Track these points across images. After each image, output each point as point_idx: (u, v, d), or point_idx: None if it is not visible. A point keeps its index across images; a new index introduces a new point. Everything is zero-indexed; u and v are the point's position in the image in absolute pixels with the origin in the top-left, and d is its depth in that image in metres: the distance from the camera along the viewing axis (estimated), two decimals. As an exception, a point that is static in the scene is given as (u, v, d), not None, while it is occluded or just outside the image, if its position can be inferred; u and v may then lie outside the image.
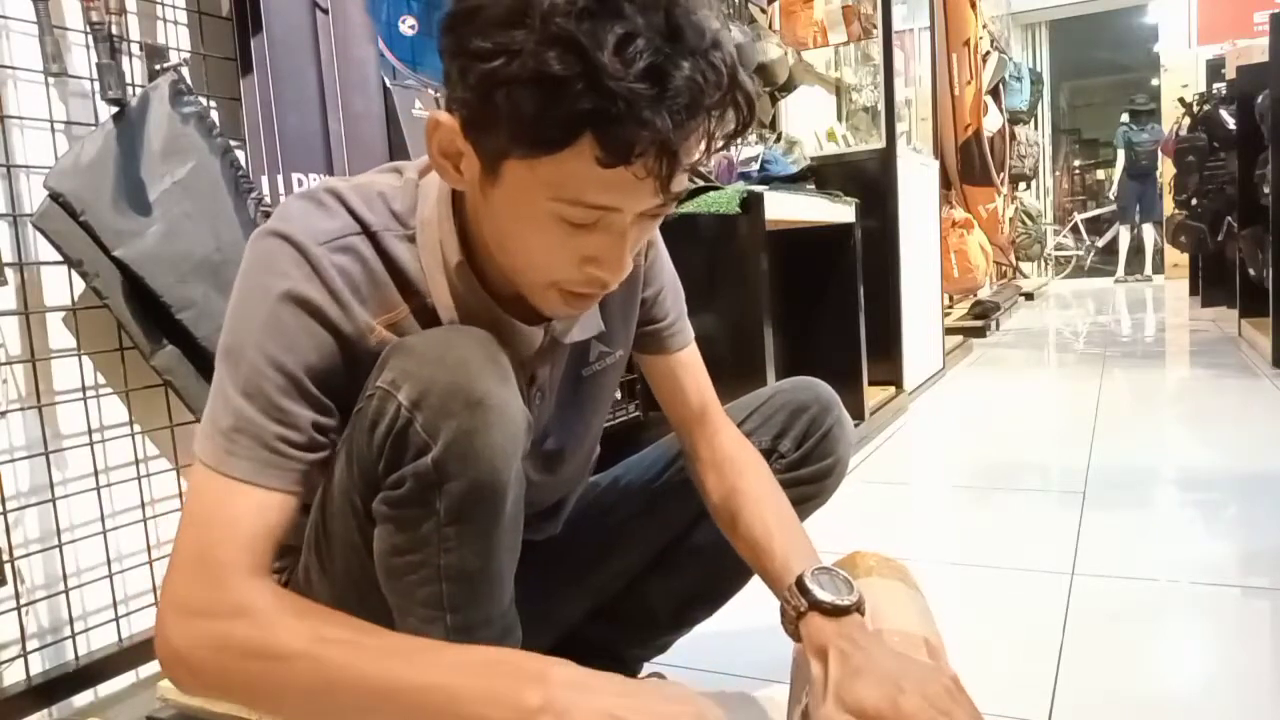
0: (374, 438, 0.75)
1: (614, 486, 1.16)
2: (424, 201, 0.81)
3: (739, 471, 1.01)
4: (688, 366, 1.05)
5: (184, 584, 0.71)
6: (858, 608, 0.86)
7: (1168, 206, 8.31)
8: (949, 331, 4.68)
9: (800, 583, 0.87)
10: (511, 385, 0.80)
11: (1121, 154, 9.51)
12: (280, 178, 1.42)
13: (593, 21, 0.63)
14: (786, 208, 2.40)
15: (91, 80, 1.25)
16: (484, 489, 0.79)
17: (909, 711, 0.74)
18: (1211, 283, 6.29)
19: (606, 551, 1.14)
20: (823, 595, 0.85)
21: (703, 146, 0.70)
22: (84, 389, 1.28)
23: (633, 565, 1.15)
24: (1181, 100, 6.65)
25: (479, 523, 0.82)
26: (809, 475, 1.10)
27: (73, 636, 1.26)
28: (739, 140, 0.75)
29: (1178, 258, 8.22)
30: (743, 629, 1.40)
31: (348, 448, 0.78)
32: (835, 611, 0.85)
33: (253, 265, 0.76)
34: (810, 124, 4.03)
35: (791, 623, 0.88)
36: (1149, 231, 9.40)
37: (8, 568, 1.13)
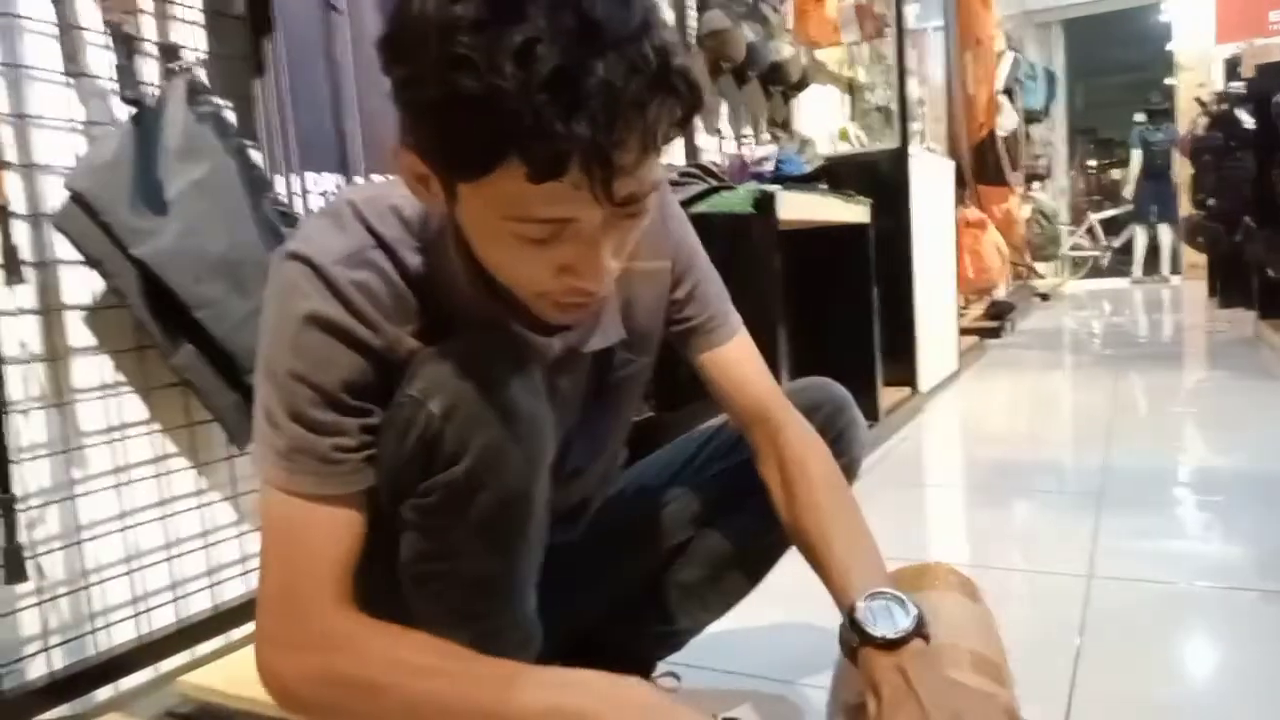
0: (404, 446, 0.76)
1: (630, 489, 1.16)
2: (436, 213, 0.80)
3: (804, 474, 0.96)
4: (737, 359, 1.01)
5: (275, 621, 0.74)
6: (918, 633, 0.81)
7: (1184, 206, 8.26)
8: (964, 332, 4.65)
9: (853, 617, 0.83)
10: (540, 396, 0.80)
11: (1137, 153, 9.44)
12: (296, 177, 1.43)
13: (488, 33, 0.60)
14: (800, 208, 2.39)
15: (111, 80, 1.26)
16: (512, 499, 0.80)
17: None
18: (1230, 283, 6.23)
19: (623, 554, 1.13)
20: (875, 631, 0.81)
21: (643, 144, 0.65)
22: (104, 387, 1.29)
23: (649, 567, 1.15)
24: (1199, 100, 6.61)
25: (506, 532, 0.83)
26: None
27: (93, 632, 1.27)
28: (684, 127, 0.70)
29: (1195, 258, 8.15)
30: (758, 628, 1.40)
31: (382, 456, 0.78)
32: (888, 645, 0.80)
33: (276, 289, 0.76)
34: (823, 123, 4.02)
35: (847, 651, 0.85)
36: (1165, 232, 9.33)
37: (29, 564, 1.14)
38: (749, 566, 1.13)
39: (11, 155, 1.18)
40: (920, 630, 0.81)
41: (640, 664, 1.18)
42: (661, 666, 1.22)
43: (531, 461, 0.81)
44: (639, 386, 1.04)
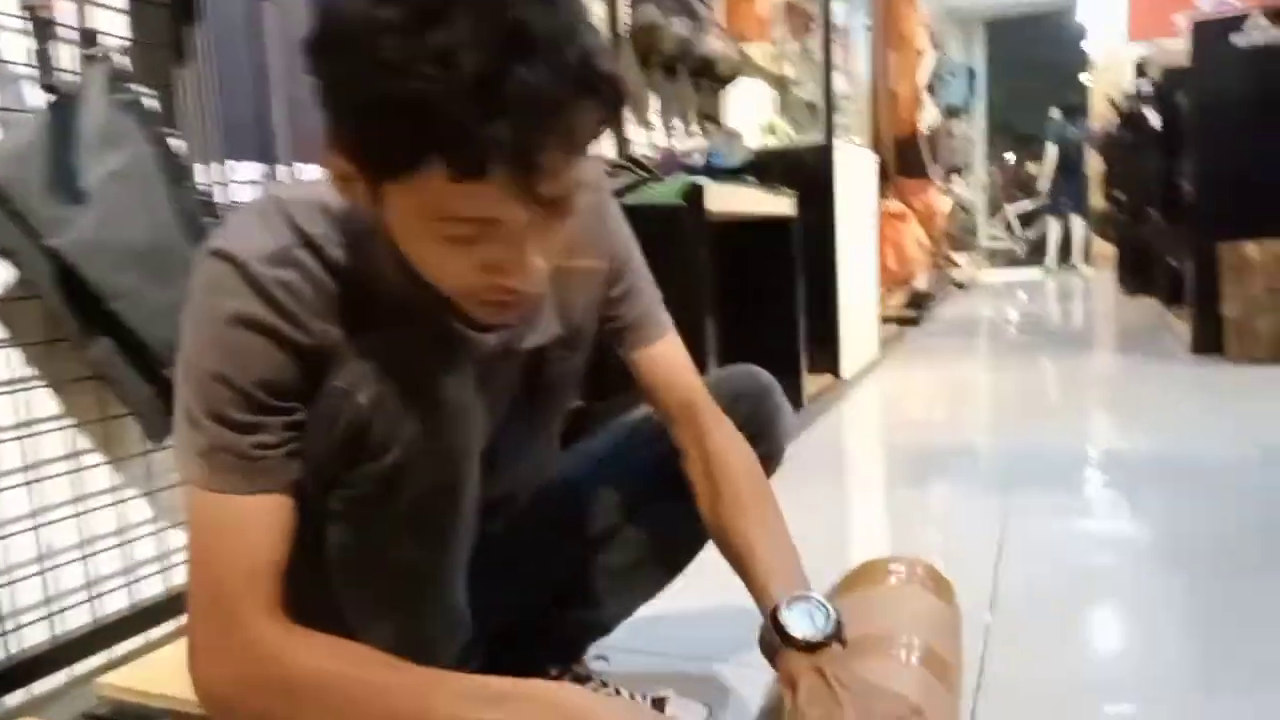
0: (332, 436, 0.76)
1: (558, 478, 1.18)
2: (364, 211, 0.78)
3: (726, 476, 0.99)
4: (667, 357, 1.03)
5: (203, 629, 0.74)
6: (836, 636, 0.84)
7: (1096, 199, 8.58)
8: (885, 321, 4.78)
9: (775, 618, 0.85)
10: (469, 388, 0.81)
11: (1052, 148, 9.76)
12: (218, 165, 1.40)
13: (414, 37, 0.60)
14: (727, 200, 2.43)
15: (26, 66, 1.22)
16: (440, 490, 0.81)
17: None
18: (1136, 272, 6.51)
19: (551, 542, 1.15)
20: (795, 632, 0.83)
21: (566, 145, 0.67)
22: (13, 381, 1.26)
23: (576, 554, 1.16)
24: (1110, 99, 6.86)
25: (434, 523, 0.84)
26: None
27: (4, 635, 1.23)
28: (608, 129, 0.73)
29: (1105, 249, 8.48)
30: (684, 612, 1.43)
31: (308, 449, 0.78)
32: (808, 647, 0.83)
33: (200, 287, 0.75)
34: (751, 117, 4.07)
35: (767, 652, 0.88)
36: (1077, 223, 9.67)
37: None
38: (672, 555, 1.16)
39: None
40: (839, 634, 0.84)
41: (570, 648, 1.20)
42: (591, 650, 1.24)
43: (459, 453, 0.82)
44: (573, 381, 1.05)
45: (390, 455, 0.77)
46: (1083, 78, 9.98)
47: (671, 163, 2.77)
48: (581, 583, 1.17)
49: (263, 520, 0.75)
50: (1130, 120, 5.92)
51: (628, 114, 2.94)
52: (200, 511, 0.75)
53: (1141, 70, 6.73)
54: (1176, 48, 4.61)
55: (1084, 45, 9.96)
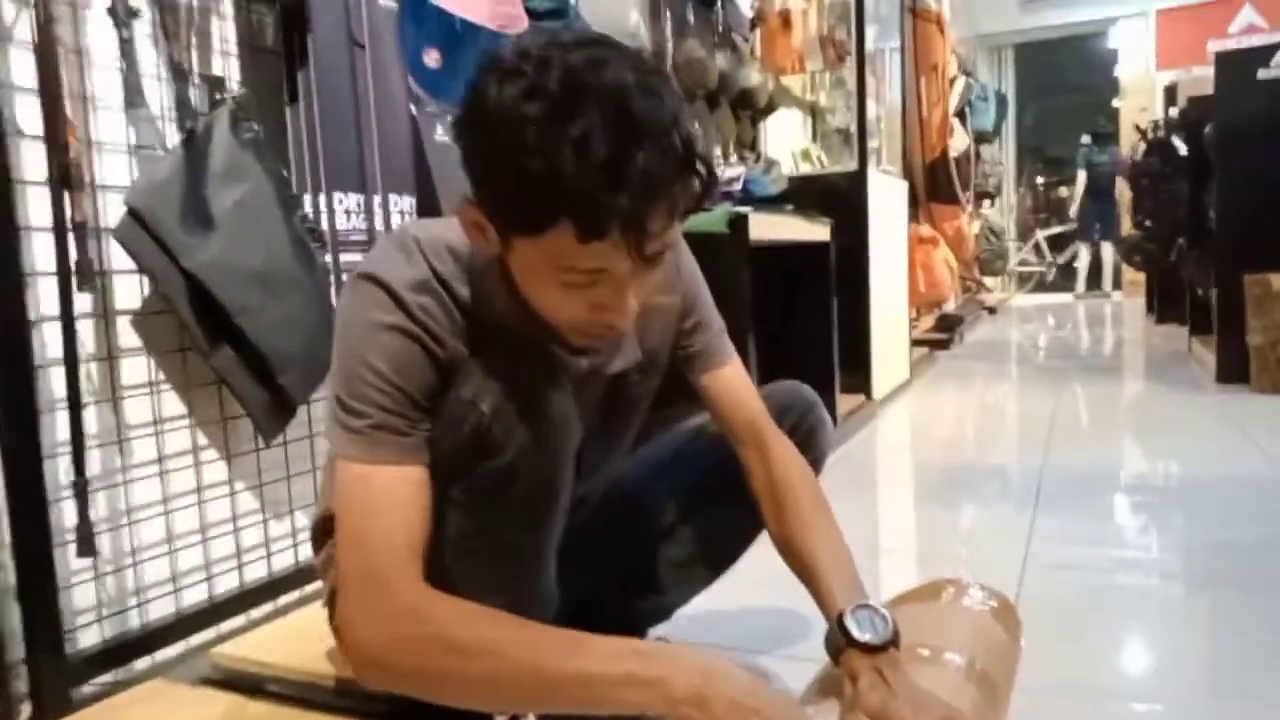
0: (458, 438, 0.91)
1: (629, 478, 1.32)
2: (482, 252, 0.95)
3: (790, 494, 1.11)
4: (731, 381, 1.17)
5: (360, 595, 0.85)
6: (893, 642, 0.95)
7: (1126, 226, 8.63)
8: (915, 344, 4.88)
9: (841, 621, 0.96)
10: (570, 403, 0.97)
11: (1082, 174, 9.82)
12: (323, 196, 1.57)
13: (554, 126, 0.75)
14: (768, 228, 2.59)
15: (161, 109, 1.40)
16: (545, 486, 0.97)
17: (895, 715, 0.88)
18: (1166, 300, 6.55)
19: (621, 534, 1.29)
20: (858, 635, 0.94)
21: (669, 213, 0.82)
22: (148, 384, 1.43)
23: (642, 545, 1.31)
24: (1137, 126, 6.94)
25: (537, 512, 0.99)
26: None
27: (137, 607, 1.40)
28: (703, 202, 0.88)
29: (1135, 275, 8.52)
30: (733, 608, 1.57)
31: (431, 446, 0.93)
32: (869, 650, 0.94)
33: (355, 302, 0.92)
34: (786, 144, 4.22)
35: (833, 653, 1.00)
36: (1108, 250, 9.70)
37: (97, 540, 1.27)
38: (724, 551, 1.31)
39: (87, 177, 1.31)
40: (895, 640, 0.96)
41: (633, 630, 1.34)
42: (651, 634, 1.38)
43: (560, 456, 0.98)
44: (647, 402, 1.20)
45: (506, 455, 0.92)
46: (1115, 104, 10.05)
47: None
48: (646, 571, 1.32)
49: (412, 492, 0.89)
50: (1158, 148, 6.00)
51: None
52: (354, 486, 0.88)
53: (1171, 97, 6.83)
54: (1204, 75, 4.69)
55: (1116, 71, 10.03)
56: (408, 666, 0.84)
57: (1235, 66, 4.00)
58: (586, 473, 1.14)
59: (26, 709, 1.23)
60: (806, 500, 1.12)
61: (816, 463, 1.27)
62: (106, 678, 1.36)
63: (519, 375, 0.93)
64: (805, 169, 4.02)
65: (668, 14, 3.09)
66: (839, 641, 0.97)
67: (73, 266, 1.25)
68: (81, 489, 1.25)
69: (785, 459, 1.15)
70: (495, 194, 0.83)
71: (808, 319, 3.19)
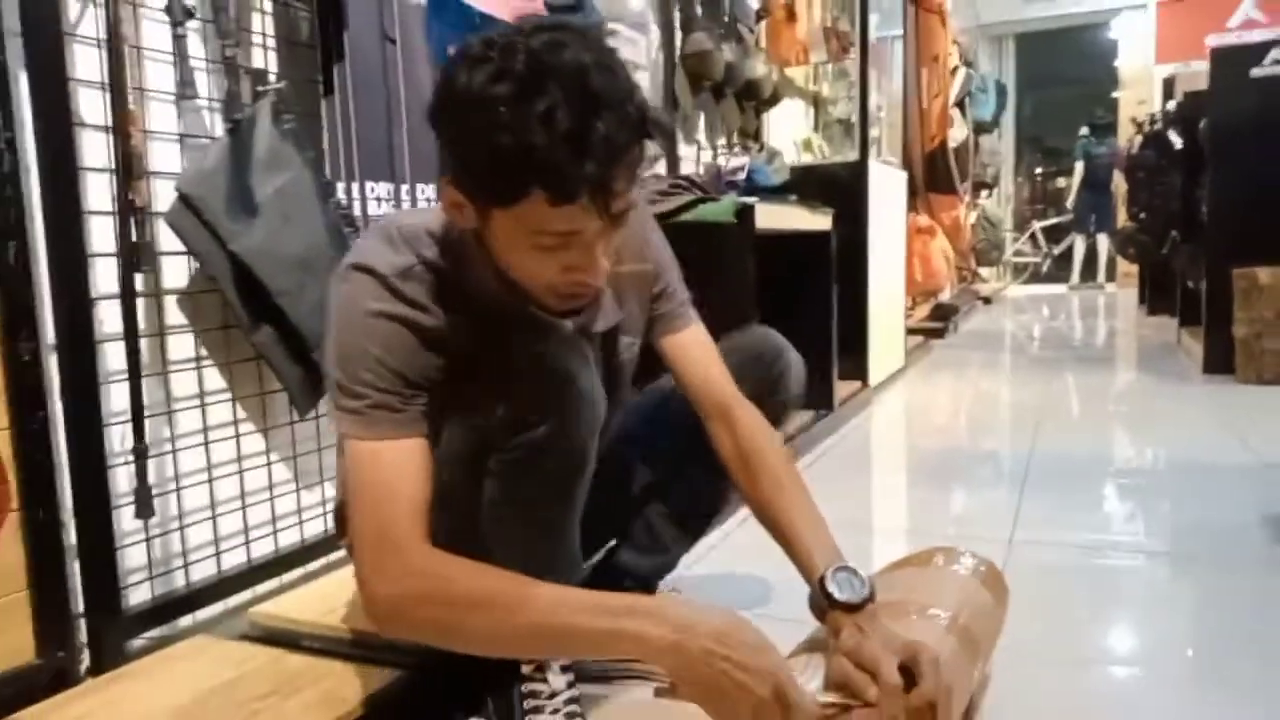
0: (494, 413, 1.01)
1: (619, 438, 1.38)
2: (457, 232, 1.04)
3: (762, 463, 1.18)
4: (692, 344, 1.26)
5: (373, 556, 0.94)
6: (870, 600, 1.03)
7: (1121, 218, 8.72)
8: (911, 332, 4.98)
9: (822, 584, 1.04)
10: (596, 380, 1.06)
11: (1080, 165, 9.89)
12: (356, 185, 1.66)
13: (522, 104, 0.84)
14: (773, 217, 2.68)
15: (210, 100, 1.49)
16: (575, 457, 1.06)
17: (869, 652, 0.97)
18: (1158, 292, 6.65)
19: (617, 492, 1.38)
20: (839, 596, 1.02)
21: (630, 175, 0.91)
22: (193, 360, 1.52)
23: (635, 501, 1.40)
24: (1134, 119, 7.02)
25: (567, 483, 1.09)
26: (768, 410, 1.26)
27: (183, 567, 1.50)
28: (659, 159, 1.00)
29: (1129, 267, 8.61)
30: (730, 574, 1.67)
31: (470, 421, 1.03)
32: (849, 608, 1.02)
33: (348, 293, 1.00)
34: (788, 134, 4.30)
35: (817, 612, 1.09)
36: (1103, 241, 9.79)
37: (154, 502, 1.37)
38: (713, 502, 1.40)
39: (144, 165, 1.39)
40: (872, 598, 1.04)
41: (644, 584, 1.43)
42: (662, 585, 1.48)
43: (589, 429, 1.07)
44: (634, 364, 1.29)
45: (541, 429, 1.02)
46: (1114, 95, 10.12)
47: (719, 180, 3.01)
48: (644, 524, 1.41)
49: (413, 462, 0.97)
50: (1154, 141, 6.08)
51: (679, 134, 3.19)
52: (362, 460, 0.97)
53: (1169, 91, 6.90)
54: (1202, 70, 4.76)
55: (1116, 63, 10.09)
56: (418, 619, 0.93)
57: (1230, 63, 4.07)
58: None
59: (85, 659, 1.32)
60: (779, 467, 1.18)
61: (789, 404, 1.34)
62: (154, 633, 1.46)
63: (552, 357, 1.02)
64: (807, 159, 4.10)
65: (676, 6, 3.16)
66: (821, 602, 1.05)
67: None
68: (141, 454, 1.34)
69: (752, 427, 1.20)
70: (472, 172, 0.92)
71: (807, 307, 3.26)
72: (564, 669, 1.16)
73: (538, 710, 1.14)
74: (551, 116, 0.84)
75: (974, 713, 1.24)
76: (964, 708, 1.15)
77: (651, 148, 0.94)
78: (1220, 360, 3.97)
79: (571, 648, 0.93)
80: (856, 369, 3.65)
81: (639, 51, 3.00)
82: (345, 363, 0.99)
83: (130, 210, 1.33)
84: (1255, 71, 3.99)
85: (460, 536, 0.98)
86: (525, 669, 1.15)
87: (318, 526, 1.73)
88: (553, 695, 1.14)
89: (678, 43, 3.16)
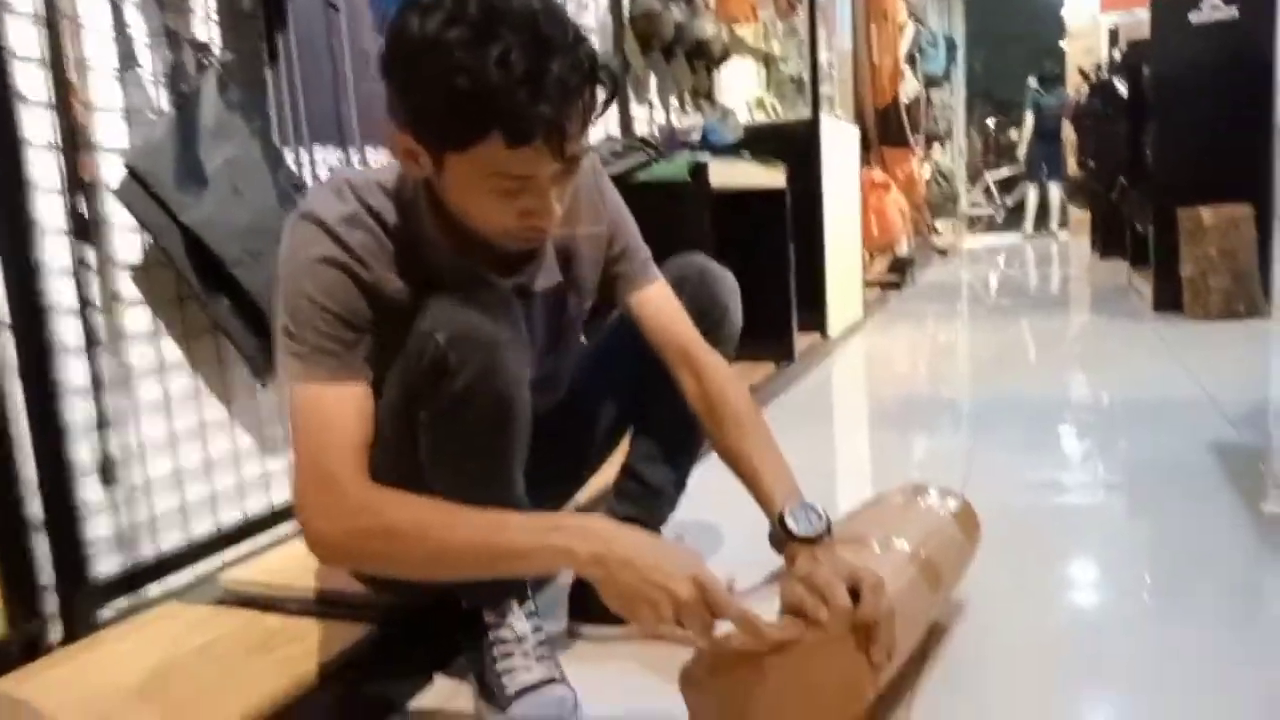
0: (419, 366, 1.02)
1: (574, 387, 1.40)
2: (411, 185, 1.06)
3: (727, 408, 1.22)
4: (659, 299, 1.28)
5: (314, 494, 0.97)
6: (827, 533, 1.08)
7: (1072, 166, 8.86)
8: (868, 285, 5.06)
9: (782, 519, 1.09)
10: (520, 330, 1.08)
11: (1030, 116, 10.01)
12: (305, 152, 1.66)
13: (477, 48, 0.86)
14: (727, 174, 2.71)
15: (152, 73, 1.48)
16: (500, 405, 1.06)
17: (821, 577, 1.01)
18: (1109, 237, 6.78)
19: (584, 438, 1.42)
20: (797, 529, 1.08)
21: (582, 118, 0.94)
22: (149, 334, 1.52)
23: (599, 436, 1.43)
24: (1081, 69, 7.12)
25: (496, 431, 1.08)
26: (707, 331, 1.29)
27: (151, 536, 1.51)
28: (609, 105, 1.01)
29: (1081, 214, 8.77)
30: (712, 523, 1.71)
31: (399, 376, 1.05)
32: (806, 540, 1.07)
33: (295, 241, 1.02)
34: (741, 93, 4.32)
35: (776, 546, 1.14)
36: (1054, 190, 9.93)
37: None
38: (691, 436, 1.40)
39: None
40: (829, 531, 1.09)
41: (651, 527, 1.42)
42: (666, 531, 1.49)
43: (515, 377, 1.06)
44: (582, 322, 1.32)
45: (461, 379, 1.02)
46: (1061, 45, 10.21)
47: (672, 140, 3.03)
48: (632, 476, 1.41)
49: (351, 404, 1.00)
50: (1101, 90, 6.17)
51: (630, 93, 3.19)
52: (303, 403, 1.00)
53: (1114, 40, 7.00)
54: (1145, 19, 4.84)
55: (1061, 14, 10.18)
56: (361, 551, 0.98)
57: (1170, 11, 4.15)
58: (545, 389, 1.25)
59: (58, 629, 1.34)
60: (742, 410, 1.23)
61: (727, 315, 1.35)
62: (125, 603, 1.47)
63: (472, 306, 1.03)
64: (760, 117, 4.12)
65: (623, -34, 3.15)
66: (781, 536, 1.10)
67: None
68: (103, 424, 1.35)
69: (718, 374, 1.24)
70: (427, 117, 0.93)
71: (765, 262, 3.30)
72: (529, 615, 1.19)
73: (508, 655, 1.17)
74: (507, 59, 0.87)
75: (941, 635, 1.30)
76: (921, 631, 1.21)
77: (600, 94, 0.97)
78: (1169, 299, 4.09)
79: (506, 565, 0.96)
80: (815, 322, 3.70)
81: (588, 14, 2.99)
82: (289, 309, 1.01)
83: (78, 185, 1.33)
84: (1194, 17, 4.07)
85: (406, 488, 0.98)
86: (489, 617, 1.18)
87: (285, 493, 1.75)
88: (520, 639, 1.17)
89: (626, 4, 3.15)
